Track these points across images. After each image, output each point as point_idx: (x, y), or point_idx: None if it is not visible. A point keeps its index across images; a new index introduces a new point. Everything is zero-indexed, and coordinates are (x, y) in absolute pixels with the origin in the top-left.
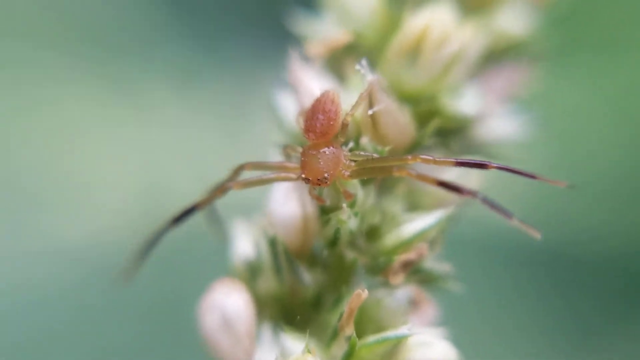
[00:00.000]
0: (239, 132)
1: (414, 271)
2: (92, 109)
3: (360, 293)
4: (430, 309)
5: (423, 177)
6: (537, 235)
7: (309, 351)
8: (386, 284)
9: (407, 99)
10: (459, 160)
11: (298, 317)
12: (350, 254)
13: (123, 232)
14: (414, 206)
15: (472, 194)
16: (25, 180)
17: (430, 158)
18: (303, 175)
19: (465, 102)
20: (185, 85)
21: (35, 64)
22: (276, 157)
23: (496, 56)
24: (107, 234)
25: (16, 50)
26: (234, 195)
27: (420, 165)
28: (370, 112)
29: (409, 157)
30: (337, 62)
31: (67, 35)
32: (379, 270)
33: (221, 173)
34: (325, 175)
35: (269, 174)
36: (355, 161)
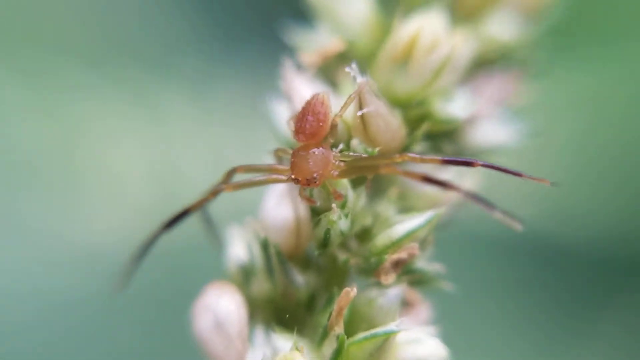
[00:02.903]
0: (253, 134)
1: (407, 271)
2: (112, 113)
3: (348, 291)
4: (424, 308)
5: (408, 173)
6: (518, 228)
7: (297, 349)
8: (379, 285)
9: (399, 103)
10: (445, 159)
11: (287, 316)
12: (342, 255)
13: (140, 233)
14: (407, 208)
15: (455, 188)
16: (47, 182)
17: (417, 156)
18: (293, 176)
19: (456, 106)
20: (201, 92)
21: (58, 70)
22: (269, 160)
23: (488, 63)
24: (125, 235)
25: (38, 57)
26: (230, 200)
27: (418, 166)
28: (359, 113)
29: (397, 155)
30: (331, 71)
31: (90, 43)
32: (371, 270)
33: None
34: (315, 175)
35: (260, 176)
36: (344, 161)
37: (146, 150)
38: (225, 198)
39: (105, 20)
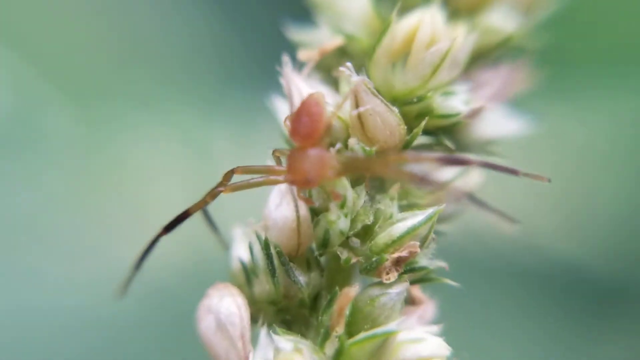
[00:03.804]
0: None
1: (410, 269)
2: (162, 152)
3: (348, 291)
4: (429, 307)
5: (401, 174)
6: (514, 226)
7: (297, 350)
8: (382, 284)
9: (398, 99)
10: (441, 158)
11: (288, 317)
12: (344, 255)
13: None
14: (409, 206)
15: (449, 188)
16: (94, 211)
17: (413, 156)
18: (289, 177)
19: (457, 101)
20: (248, 130)
21: (116, 113)
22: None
23: (490, 55)
24: (165, 263)
25: (97, 99)
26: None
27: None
28: (354, 112)
29: (392, 155)
30: (331, 67)
31: (141, 84)
32: (373, 269)
33: None
34: (311, 176)
35: (258, 178)
36: (340, 162)
37: (191, 187)
38: (232, 198)
39: (154, 63)
